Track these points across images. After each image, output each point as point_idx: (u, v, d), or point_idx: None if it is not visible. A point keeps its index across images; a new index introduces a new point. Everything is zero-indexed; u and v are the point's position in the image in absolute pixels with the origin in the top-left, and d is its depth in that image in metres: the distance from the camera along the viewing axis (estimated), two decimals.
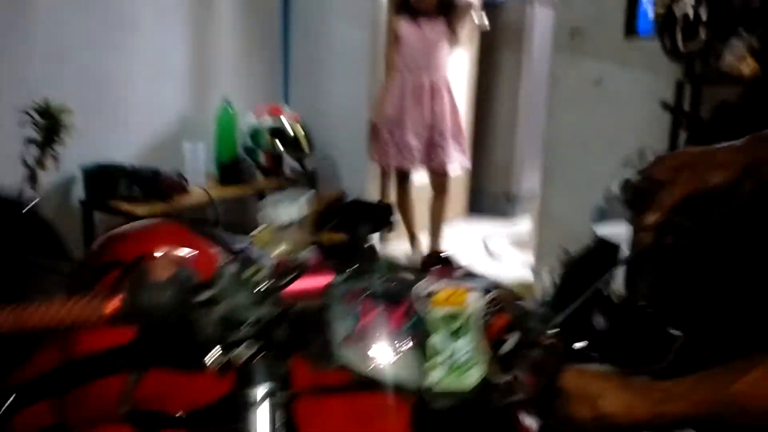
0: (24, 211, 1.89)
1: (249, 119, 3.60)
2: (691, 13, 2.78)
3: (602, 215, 3.24)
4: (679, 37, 2.83)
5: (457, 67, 4.33)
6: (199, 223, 1.10)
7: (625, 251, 2.50)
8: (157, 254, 0.81)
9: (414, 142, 3.79)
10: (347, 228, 0.95)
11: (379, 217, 0.96)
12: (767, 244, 0.93)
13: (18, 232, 1.55)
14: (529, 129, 4.73)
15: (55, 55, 2.92)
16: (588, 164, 3.32)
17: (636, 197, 0.95)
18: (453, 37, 3.88)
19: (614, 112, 3.27)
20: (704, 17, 2.77)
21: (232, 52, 3.72)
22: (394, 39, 3.79)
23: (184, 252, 0.92)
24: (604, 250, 2.62)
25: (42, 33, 2.87)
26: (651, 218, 0.91)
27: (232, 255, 0.95)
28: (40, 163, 2.60)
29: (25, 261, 1.43)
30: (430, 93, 3.81)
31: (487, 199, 4.97)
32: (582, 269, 2.70)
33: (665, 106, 2.93)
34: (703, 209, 0.91)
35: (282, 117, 3.61)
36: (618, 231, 2.66)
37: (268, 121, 3.59)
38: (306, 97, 3.95)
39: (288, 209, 0.74)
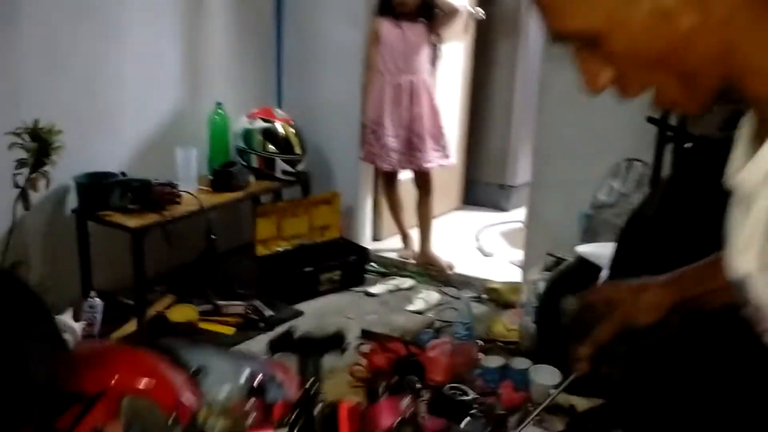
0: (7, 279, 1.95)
1: (241, 122, 3.62)
2: None
3: (588, 221, 3.28)
4: None
5: (451, 57, 4.33)
6: (161, 347, 1.15)
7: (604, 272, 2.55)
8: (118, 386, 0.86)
9: (393, 144, 3.81)
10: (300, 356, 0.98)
11: (330, 345, 1.00)
12: (694, 370, 0.97)
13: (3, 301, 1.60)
14: (524, 119, 4.73)
15: (47, 67, 2.94)
16: (576, 170, 3.34)
17: (574, 325, 1.00)
18: (435, 38, 3.88)
19: (603, 120, 3.27)
20: None
21: (225, 56, 3.73)
22: (374, 39, 3.79)
23: (143, 384, 0.97)
24: (585, 269, 2.67)
25: (34, 45, 2.89)
26: (586, 350, 0.96)
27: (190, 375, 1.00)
28: (32, 183, 2.64)
29: (9, 327, 1.49)
30: (408, 94, 3.81)
31: (481, 190, 4.99)
32: (563, 286, 2.74)
33: (651, 120, 2.94)
34: (636, 338, 0.96)
35: (274, 119, 3.63)
36: (599, 250, 2.71)
37: (259, 124, 3.61)
38: (299, 98, 3.96)
39: (228, 381, 0.78)
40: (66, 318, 2.98)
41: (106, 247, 3.21)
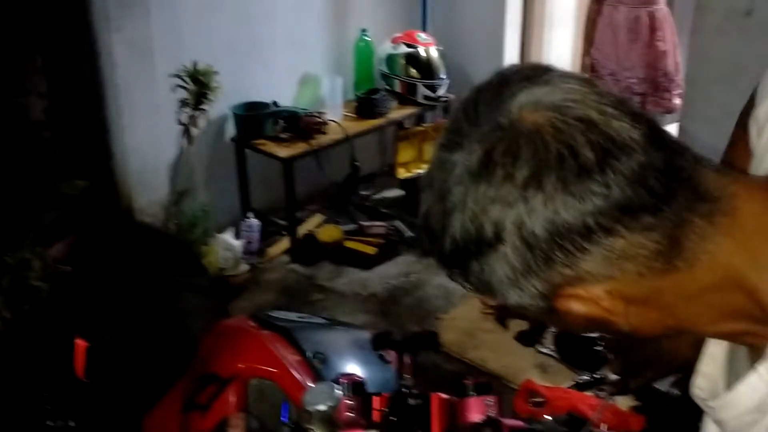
0: (167, 239, 2.20)
1: (385, 47, 3.69)
2: None
3: None
4: None
5: None
6: (281, 329, 1.31)
7: None
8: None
9: (635, 85, 3.59)
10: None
11: (424, 344, 1.11)
12: None
13: (163, 257, 1.85)
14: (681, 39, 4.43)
15: (202, 9, 3.12)
16: (729, 99, 3.14)
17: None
18: None
19: (764, 45, 3.04)
20: None
21: None
22: None
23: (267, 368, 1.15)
24: None
25: None
26: None
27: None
28: (193, 120, 2.90)
29: (170, 280, 1.74)
30: (648, 28, 3.54)
31: None
32: None
33: None
34: None
35: (417, 44, 3.67)
36: None
37: (402, 49, 3.66)
38: (444, 22, 3.93)
39: (325, 399, 0.92)
40: (227, 237, 3.32)
41: (261, 171, 3.47)
